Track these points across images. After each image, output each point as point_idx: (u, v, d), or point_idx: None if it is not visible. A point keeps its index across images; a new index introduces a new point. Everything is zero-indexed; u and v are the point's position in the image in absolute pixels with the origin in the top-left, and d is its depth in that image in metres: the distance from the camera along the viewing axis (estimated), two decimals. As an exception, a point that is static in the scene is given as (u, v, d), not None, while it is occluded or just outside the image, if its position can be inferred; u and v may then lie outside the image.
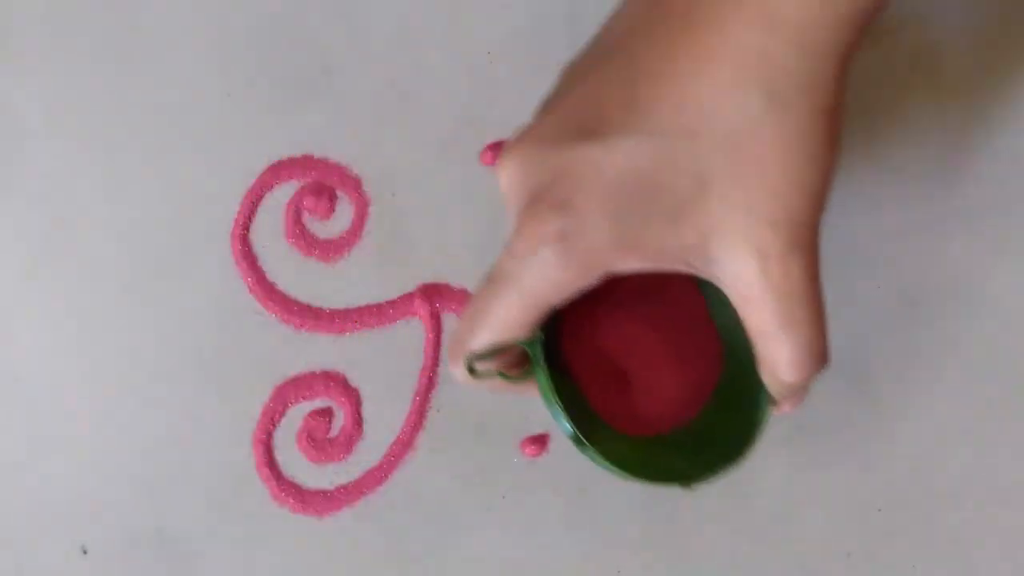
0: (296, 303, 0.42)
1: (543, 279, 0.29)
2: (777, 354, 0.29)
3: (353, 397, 0.41)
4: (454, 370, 0.32)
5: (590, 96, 0.29)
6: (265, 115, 0.42)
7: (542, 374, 0.30)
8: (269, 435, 0.41)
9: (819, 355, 0.29)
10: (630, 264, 0.29)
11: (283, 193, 0.42)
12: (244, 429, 0.41)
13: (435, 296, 0.42)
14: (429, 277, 0.42)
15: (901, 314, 0.42)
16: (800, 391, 0.31)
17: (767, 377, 0.31)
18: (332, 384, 0.41)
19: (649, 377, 0.33)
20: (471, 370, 0.31)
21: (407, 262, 0.42)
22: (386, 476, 0.41)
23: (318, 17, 0.42)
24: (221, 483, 0.41)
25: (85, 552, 0.41)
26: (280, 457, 0.41)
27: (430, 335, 0.41)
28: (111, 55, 0.42)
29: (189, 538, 0.41)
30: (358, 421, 0.41)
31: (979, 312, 0.42)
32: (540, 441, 0.41)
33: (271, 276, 0.42)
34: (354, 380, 0.41)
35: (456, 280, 0.42)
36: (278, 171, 0.42)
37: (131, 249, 0.42)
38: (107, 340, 0.41)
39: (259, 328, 0.41)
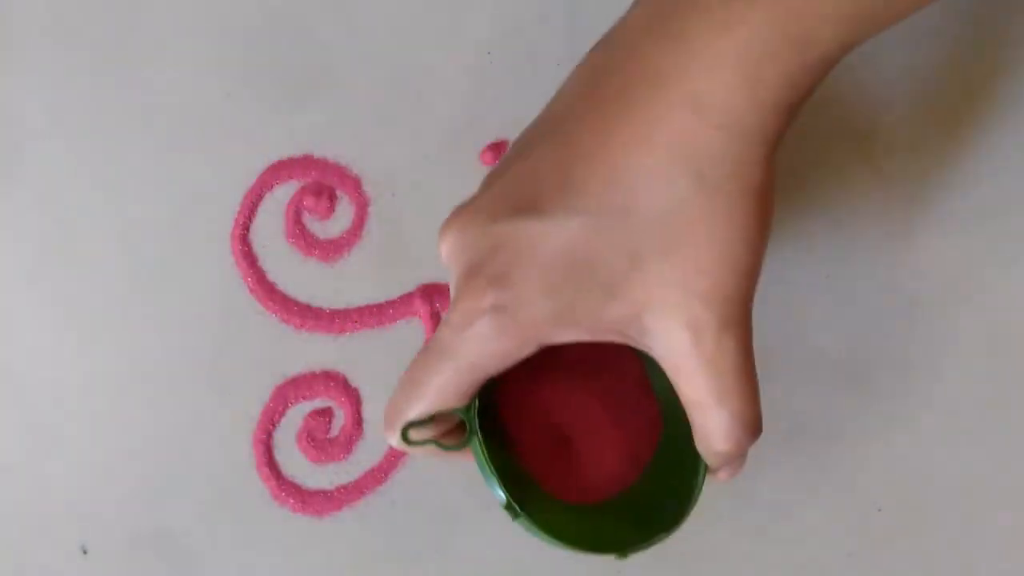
0: (296, 303, 0.42)
1: (479, 350, 0.29)
2: (710, 425, 0.30)
3: (353, 397, 0.41)
4: (389, 437, 0.32)
5: (529, 173, 0.30)
6: (265, 115, 0.42)
7: (477, 443, 0.31)
8: (269, 435, 0.41)
9: (752, 426, 0.30)
10: (566, 336, 0.29)
11: (283, 193, 0.42)
12: (244, 429, 0.41)
13: (435, 296, 0.42)
14: (429, 277, 0.42)
15: (901, 314, 0.42)
16: (736, 460, 0.32)
17: (702, 446, 0.31)
18: (332, 384, 0.41)
19: (589, 445, 0.34)
20: (407, 440, 0.31)
21: (407, 262, 0.42)
22: (386, 476, 0.41)
23: (318, 17, 0.42)
24: (221, 483, 0.41)
25: (85, 552, 0.41)
26: (280, 457, 0.41)
27: (430, 335, 0.41)
28: (111, 55, 0.42)
29: (189, 538, 0.41)
30: (358, 421, 0.41)
31: (979, 312, 0.42)
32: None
33: (271, 276, 0.42)
34: (354, 380, 0.41)
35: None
36: (278, 171, 0.42)
37: (131, 249, 0.42)
38: (107, 340, 0.41)
39: (259, 328, 0.41)
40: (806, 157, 0.42)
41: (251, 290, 0.41)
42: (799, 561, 0.40)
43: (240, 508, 0.41)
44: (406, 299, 0.42)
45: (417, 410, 0.31)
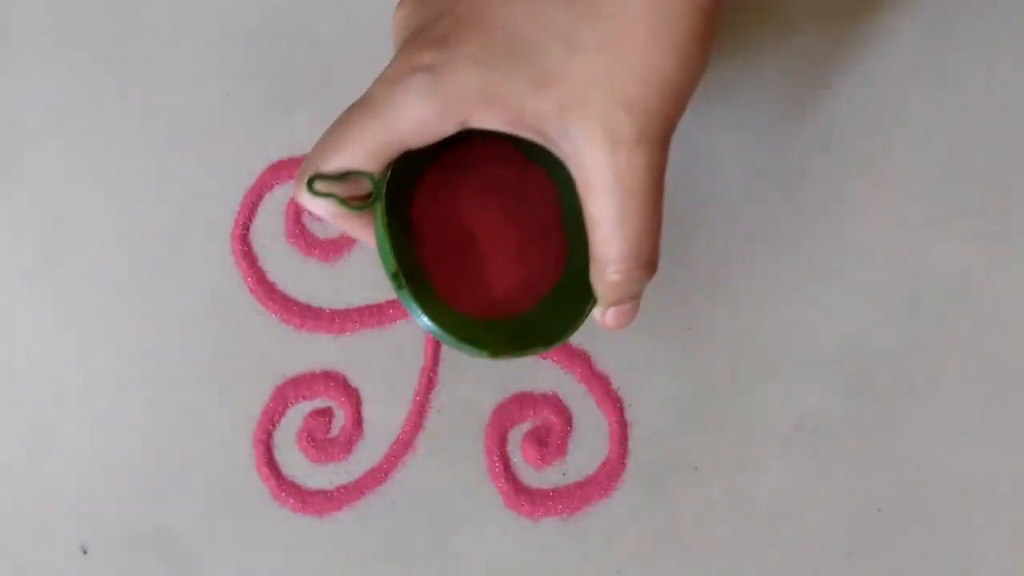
0: (296, 303, 0.42)
1: (405, 113, 0.29)
2: (606, 248, 0.30)
3: (353, 397, 0.41)
4: (297, 190, 0.32)
5: None
6: (265, 115, 0.42)
7: (379, 208, 0.31)
8: (269, 435, 0.41)
9: (645, 259, 0.30)
10: (489, 120, 0.29)
11: (283, 193, 0.42)
12: (244, 429, 0.41)
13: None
14: (429, 277, 0.42)
15: (901, 314, 0.42)
16: (624, 298, 0.32)
17: (594, 275, 0.31)
18: (332, 384, 0.41)
19: (493, 264, 0.34)
20: (311, 190, 0.31)
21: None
22: (386, 476, 0.41)
23: (318, 17, 0.42)
24: (221, 483, 0.41)
25: (85, 552, 0.41)
26: (280, 457, 0.41)
27: (430, 335, 0.41)
28: (111, 55, 0.42)
29: (189, 538, 0.41)
30: (358, 421, 0.41)
31: (979, 312, 0.42)
32: None
33: (271, 276, 0.42)
34: (354, 380, 0.41)
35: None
36: (278, 171, 0.42)
37: (131, 249, 0.42)
38: (107, 340, 0.41)
39: (259, 328, 0.41)
40: (808, 158, 0.42)
41: (251, 290, 0.41)
42: (799, 561, 0.40)
43: (240, 508, 0.41)
44: (406, 299, 0.42)
45: (331, 163, 0.31)
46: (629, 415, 0.41)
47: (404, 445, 0.41)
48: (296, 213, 0.42)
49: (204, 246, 0.41)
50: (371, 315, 0.41)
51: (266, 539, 0.40)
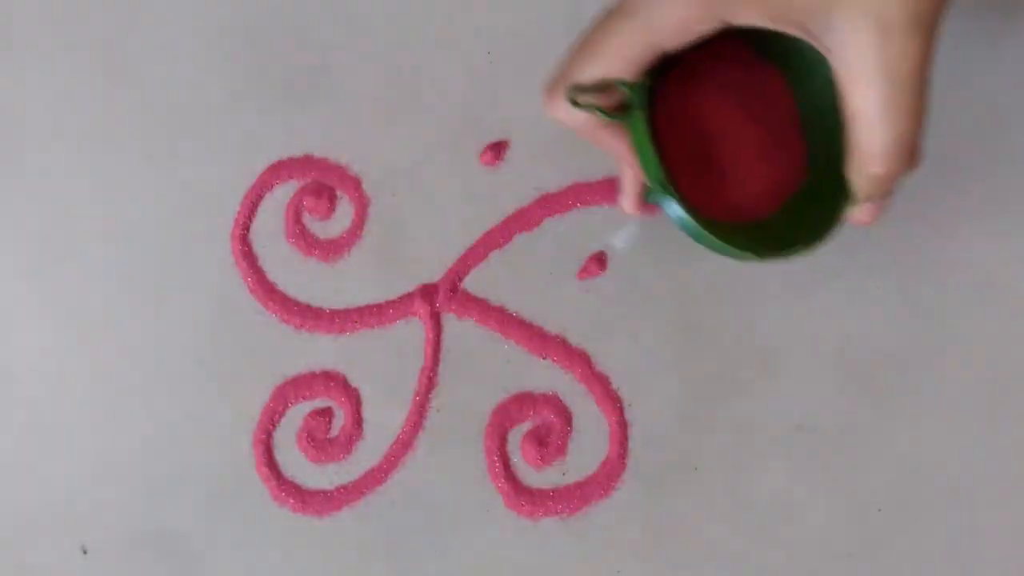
0: (296, 303, 0.42)
1: (667, 13, 0.29)
2: (871, 141, 0.29)
3: (353, 397, 0.41)
4: (551, 103, 0.31)
5: None
6: (265, 115, 0.42)
7: (641, 119, 0.30)
8: (269, 435, 0.41)
9: (911, 151, 0.29)
10: (750, 15, 0.28)
11: (283, 193, 0.42)
12: (244, 429, 0.41)
13: (435, 296, 0.42)
14: (429, 277, 0.42)
15: (901, 314, 0.42)
16: (882, 193, 0.31)
17: (854, 169, 0.30)
18: (332, 384, 0.41)
19: (736, 167, 0.33)
20: (573, 102, 0.30)
21: (407, 262, 0.42)
22: (386, 476, 0.41)
23: (318, 17, 0.42)
24: (221, 483, 0.41)
25: (85, 552, 0.41)
26: (280, 457, 0.41)
27: (430, 335, 0.41)
28: (111, 55, 0.42)
29: (189, 538, 0.41)
30: (358, 421, 0.41)
31: (979, 312, 0.41)
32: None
33: (271, 276, 0.42)
34: (354, 380, 0.41)
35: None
36: (278, 171, 0.42)
37: (131, 249, 0.42)
38: (107, 340, 0.41)
39: (259, 328, 0.41)
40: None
41: (251, 290, 0.42)
42: (799, 561, 0.40)
43: (240, 508, 0.41)
44: (406, 299, 0.42)
45: (590, 72, 0.30)
46: (629, 415, 0.41)
47: (404, 445, 0.41)
48: (296, 213, 0.42)
49: (204, 246, 0.42)
50: (371, 315, 0.41)
51: (266, 539, 0.41)
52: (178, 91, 0.42)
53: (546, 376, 0.41)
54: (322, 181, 0.42)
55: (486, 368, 0.41)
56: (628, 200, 0.35)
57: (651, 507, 0.41)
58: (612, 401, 0.41)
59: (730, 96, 0.34)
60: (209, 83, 0.42)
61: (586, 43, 0.30)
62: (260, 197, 0.42)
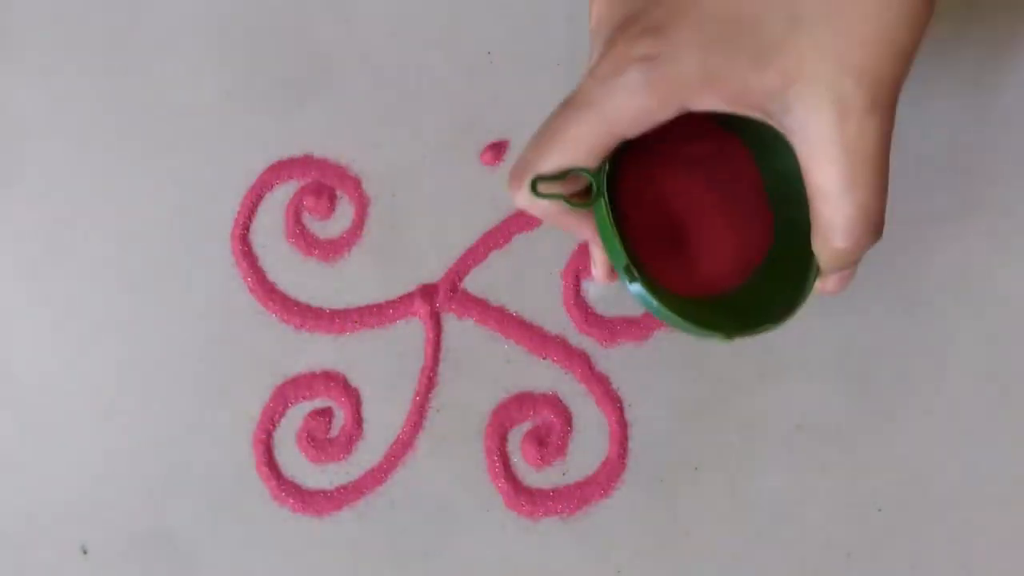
0: (296, 303, 0.42)
1: (624, 104, 0.29)
2: (834, 216, 0.29)
3: (353, 397, 0.41)
4: (515, 192, 0.31)
5: None
6: (265, 115, 0.42)
7: (603, 204, 0.30)
8: (269, 435, 0.41)
9: (875, 224, 0.29)
10: (708, 102, 0.29)
11: (283, 193, 0.42)
12: (244, 429, 0.41)
13: (435, 296, 0.42)
14: (429, 277, 0.42)
15: (901, 314, 0.42)
16: (847, 265, 0.31)
17: (819, 243, 0.31)
18: (332, 384, 0.41)
19: (701, 241, 0.33)
20: (534, 191, 0.30)
21: (407, 262, 0.42)
22: (386, 476, 0.41)
23: (318, 17, 0.42)
24: (221, 483, 0.41)
25: (85, 552, 0.41)
26: (280, 457, 0.41)
27: (430, 335, 0.41)
28: (111, 55, 0.42)
29: (189, 538, 0.41)
30: (358, 421, 0.41)
31: (979, 312, 0.42)
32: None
33: (271, 276, 0.42)
34: (354, 380, 0.41)
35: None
36: (278, 171, 0.42)
37: (131, 249, 0.42)
38: (107, 340, 0.41)
39: (259, 328, 0.41)
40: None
41: (251, 290, 0.42)
42: (799, 561, 0.40)
43: (240, 508, 0.41)
44: (406, 299, 0.42)
45: (550, 163, 0.30)
46: (629, 415, 0.41)
47: (404, 445, 0.41)
48: (296, 213, 0.42)
49: (204, 246, 0.42)
50: (371, 315, 0.41)
51: (266, 539, 0.41)
52: (178, 91, 0.42)
53: (546, 376, 0.41)
54: (322, 181, 0.42)
55: (486, 368, 0.41)
56: (600, 273, 0.35)
57: (651, 507, 0.41)
58: (612, 401, 0.41)
59: (694, 170, 0.34)
60: (209, 83, 0.42)
61: (546, 133, 0.31)
62: (260, 197, 0.42)
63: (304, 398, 0.41)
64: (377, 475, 0.41)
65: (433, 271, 0.42)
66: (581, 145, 0.30)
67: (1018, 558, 0.41)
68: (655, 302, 0.31)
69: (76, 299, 0.41)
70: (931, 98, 0.42)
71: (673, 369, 0.41)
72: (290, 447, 0.41)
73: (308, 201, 0.42)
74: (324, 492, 0.41)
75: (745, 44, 0.28)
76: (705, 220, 0.34)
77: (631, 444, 0.41)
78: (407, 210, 0.42)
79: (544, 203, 0.31)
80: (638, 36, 0.29)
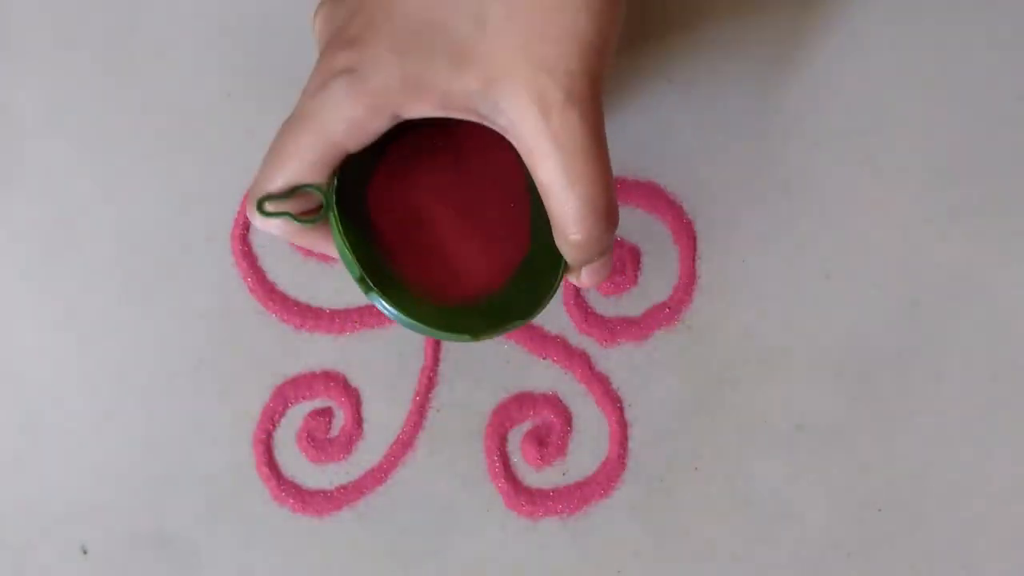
0: (296, 303, 0.42)
1: (335, 116, 0.29)
2: (562, 211, 0.30)
3: (353, 397, 0.41)
4: (249, 213, 0.32)
5: None
6: (265, 115, 0.42)
7: (333, 218, 0.31)
8: (269, 435, 0.41)
9: (603, 212, 0.30)
10: (419, 109, 0.29)
11: (283, 193, 0.42)
12: (244, 429, 0.41)
13: (435, 296, 0.42)
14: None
15: (901, 314, 0.42)
16: (592, 257, 0.32)
17: (559, 239, 0.31)
18: (332, 384, 0.41)
19: (456, 248, 0.34)
20: (262, 211, 0.31)
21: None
22: (386, 476, 0.41)
23: (318, 17, 0.42)
24: (221, 483, 0.41)
25: (85, 552, 0.41)
26: (280, 457, 0.41)
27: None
28: (111, 55, 0.42)
29: (189, 538, 0.41)
30: (358, 421, 0.41)
31: (979, 312, 0.42)
32: None
33: (271, 276, 0.42)
34: (354, 380, 0.41)
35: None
36: (278, 171, 0.42)
37: (131, 249, 0.42)
38: (107, 340, 0.41)
39: (259, 328, 0.41)
40: (807, 157, 0.42)
41: (251, 290, 0.42)
42: (799, 561, 0.41)
43: (240, 508, 0.41)
44: (406, 299, 0.42)
45: (276, 182, 0.31)
46: (629, 415, 0.41)
47: (404, 445, 0.41)
48: (296, 213, 0.42)
49: (204, 246, 0.42)
50: (371, 315, 0.41)
51: (266, 539, 0.41)
52: (178, 91, 0.42)
53: (546, 376, 0.41)
54: (322, 181, 0.42)
55: (486, 368, 0.41)
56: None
57: (651, 507, 0.41)
58: (612, 401, 0.41)
59: (445, 176, 0.34)
60: (209, 83, 0.42)
61: (271, 152, 0.31)
62: (260, 197, 0.42)
63: (304, 398, 0.41)
64: (377, 475, 0.41)
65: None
66: (303, 160, 0.30)
67: (1018, 558, 0.41)
68: (393, 310, 0.31)
69: (76, 299, 0.41)
70: (929, 96, 0.42)
71: (673, 369, 0.41)
72: (290, 447, 0.41)
73: (308, 201, 0.42)
74: (324, 492, 0.41)
75: (439, 49, 0.29)
76: (461, 226, 0.34)
77: (631, 444, 0.41)
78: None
79: (276, 222, 0.31)
80: (338, 49, 0.30)
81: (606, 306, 0.42)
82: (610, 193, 0.30)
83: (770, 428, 0.41)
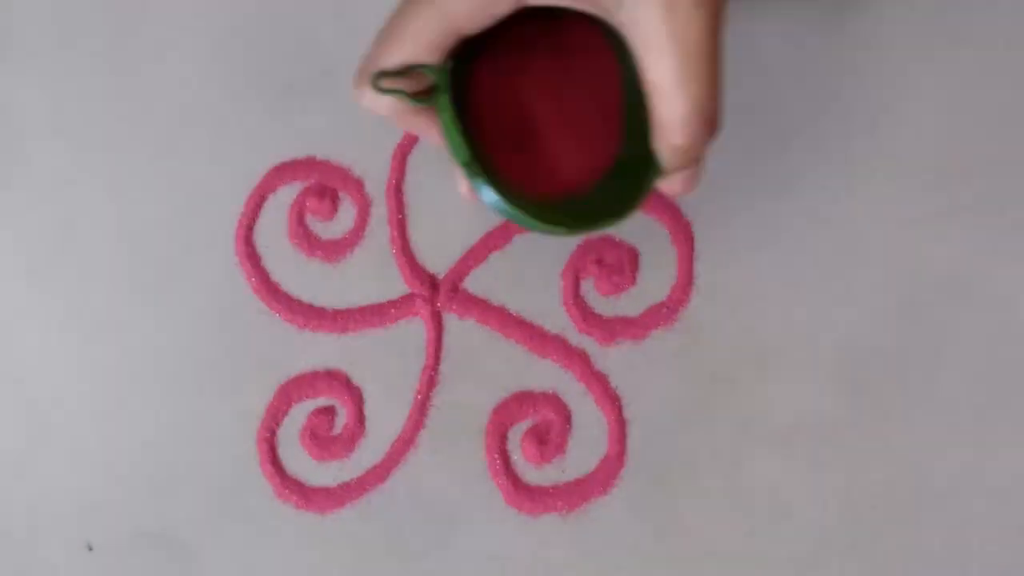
0: (299, 303, 0.42)
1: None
2: (669, 112, 0.30)
3: (355, 395, 0.42)
4: (359, 92, 0.32)
5: None
6: (268, 116, 0.42)
7: (445, 99, 0.31)
8: (273, 433, 0.41)
9: (709, 118, 0.30)
10: None
11: (286, 194, 0.42)
12: (248, 427, 0.41)
13: (436, 296, 0.42)
14: (430, 278, 0.42)
15: (901, 314, 0.42)
16: (688, 162, 0.32)
17: (660, 142, 0.31)
18: (335, 383, 0.42)
19: (553, 145, 0.33)
20: (377, 87, 0.30)
21: (408, 262, 0.42)
22: (388, 474, 0.41)
23: (321, 19, 0.42)
24: (225, 481, 0.41)
25: (90, 549, 0.41)
26: (283, 455, 0.41)
27: (431, 335, 0.42)
28: (113, 56, 0.42)
29: (193, 535, 0.41)
30: (360, 419, 0.41)
31: (977, 312, 0.42)
32: None
33: (274, 276, 0.42)
34: (356, 379, 0.42)
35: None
36: (281, 172, 0.42)
37: (134, 249, 0.42)
38: (111, 340, 0.41)
39: (262, 327, 0.42)
40: (805, 157, 0.42)
41: (254, 290, 0.42)
42: (797, 559, 0.41)
43: (244, 505, 0.41)
44: (407, 299, 0.42)
45: (392, 59, 0.31)
46: (628, 413, 0.41)
47: (406, 443, 0.41)
48: (299, 214, 0.42)
49: (208, 247, 0.42)
50: (373, 314, 0.42)
51: (269, 536, 0.41)
52: (181, 92, 0.42)
53: (546, 375, 0.42)
54: (325, 182, 0.42)
55: (487, 367, 0.41)
56: (461, 186, 0.35)
57: (650, 504, 0.41)
58: (611, 399, 0.41)
59: (547, 73, 0.34)
60: (212, 84, 0.42)
61: (387, 30, 0.31)
62: (263, 198, 0.42)
63: (307, 397, 0.42)
64: (379, 473, 0.41)
65: (434, 271, 0.42)
66: (421, 40, 0.30)
67: (1015, 556, 0.41)
68: (495, 196, 0.31)
69: (79, 299, 0.41)
70: (929, 96, 0.42)
71: (671, 368, 0.41)
72: (293, 445, 0.41)
73: (311, 202, 0.42)
74: (327, 489, 0.41)
75: None
76: (557, 123, 0.34)
77: (630, 442, 0.41)
78: (409, 211, 0.42)
79: (387, 100, 0.31)
80: None
81: (605, 306, 0.42)
82: (718, 99, 0.30)
83: (768, 427, 0.41)
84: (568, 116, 0.34)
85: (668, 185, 0.33)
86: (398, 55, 0.30)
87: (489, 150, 0.32)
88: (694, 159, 0.31)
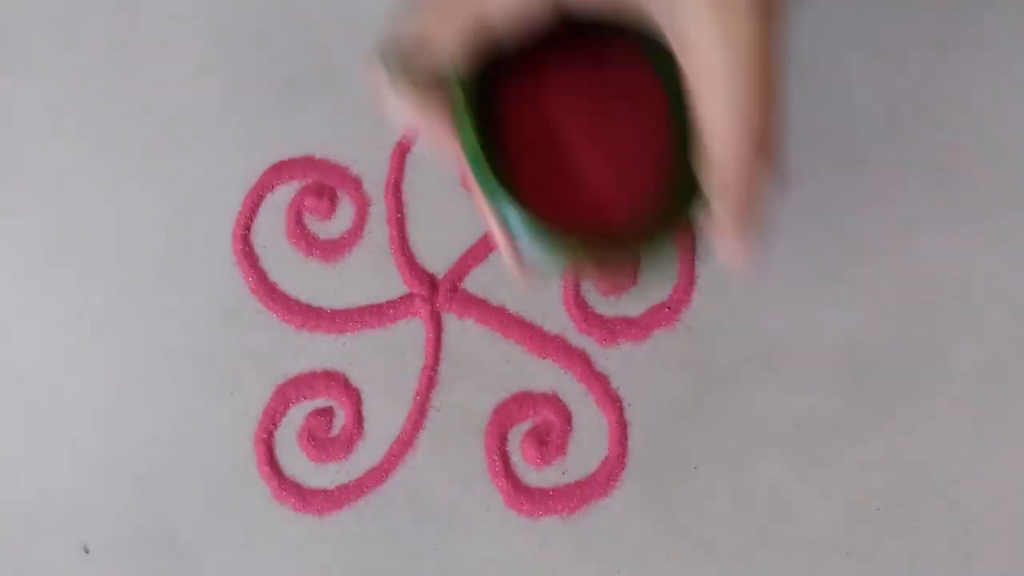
0: (297, 303, 0.42)
1: None
2: (718, 129, 0.27)
3: (354, 396, 0.41)
4: (375, 81, 0.29)
5: None
6: (266, 116, 0.42)
7: (462, 95, 0.28)
8: (270, 434, 0.41)
9: (761, 139, 0.27)
10: None
11: (284, 193, 0.42)
12: (245, 428, 0.41)
13: (435, 296, 0.42)
14: (429, 277, 0.42)
15: (900, 314, 0.42)
16: (740, 200, 0.28)
17: (705, 167, 0.28)
18: (333, 384, 0.41)
19: (588, 175, 0.31)
20: (385, 65, 0.29)
21: (407, 262, 0.42)
22: (386, 475, 0.41)
23: (319, 18, 0.42)
24: (223, 482, 0.41)
25: (87, 551, 0.41)
26: (281, 456, 0.41)
27: (430, 335, 0.42)
28: (112, 56, 0.42)
29: (191, 537, 0.41)
30: (359, 420, 0.41)
31: (978, 312, 0.42)
32: None
33: (272, 276, 0.42)
34: (355, 380, 0.42)
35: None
36: (279, 171, 0.42)
37: (132, 249, 0.42)
38: (108, 340, 0.41)
39: (260, 328, 0.42)
40: (805, 157, 0.42)
41: (252, 290, 0.42)
42: (798, 560, 0.41)
43: (241, 507, 0.41)
44: (406, 299, 0.42)
45: (413, 25, 0.28)
46: (628, 414, 0.41)
47: (404, 444, 0.41)
48: (297, 213, 0.42)
49: (205, 246, 0.42)
50: (371, 315, 0.42)
51: (267, 538, 0.41)
52: (179, 91, 0.42)
53: (546, 376, 0.41)
54: (323, 181, 0.42)
55: (486, 368, 0.41)
56: (501, 245, 0.32)
57: (650, 506, 0.41)
58: (611, 400, 0.41)
59: (581, 98, 0.31)
60: (210, 83, 0.42)
61: (415, 14, 0.29)
62: (261, 197, 0.42)
63: (305, 397, 0.41)
64: (377, 474, 0.41)
65: (434, 271, 0.42)
66: (448, 19, 0.28)
67: (1017, 557, 0.41)
68: (516, 210, 0.28)
69: (77, 299, 0.41)
70: (928, 97, 0.42)
71: (672, 368, 0.41)
72: (291, 446, 0.41)
73: (309, 201, 0.42)
74: (325, 491, 0.41)
75: None
76: (595, 151, 0.31)
77: (630, 443, 0.41)
78: (408, 210, 0.42)
79: (413, 109, 0.29)
80: None
81: (606, 306, 0.42)
82: (774, 121, 0.26)
83: (769, 427, 0.41)
84: (606, 143, 0.31)
85: (723, 249, 0.30)
86: (419, 23, 0.28)
87: (518, 178, 0.30)
88: (745, 197, 0.28)
